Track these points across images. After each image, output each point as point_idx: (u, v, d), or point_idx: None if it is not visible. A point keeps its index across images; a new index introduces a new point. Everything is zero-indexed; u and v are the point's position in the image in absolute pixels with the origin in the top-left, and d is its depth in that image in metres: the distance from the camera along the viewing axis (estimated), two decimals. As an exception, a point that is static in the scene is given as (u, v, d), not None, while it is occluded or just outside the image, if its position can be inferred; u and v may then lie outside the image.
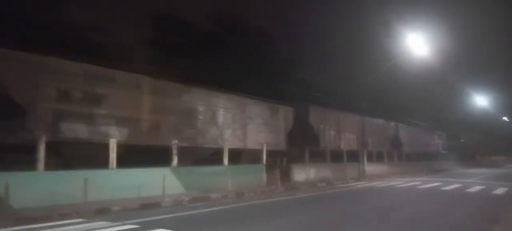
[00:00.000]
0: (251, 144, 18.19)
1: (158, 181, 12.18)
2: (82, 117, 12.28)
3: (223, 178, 14.69)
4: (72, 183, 10.46)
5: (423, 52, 23.24)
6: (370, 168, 25.76)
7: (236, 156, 17.17)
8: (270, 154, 18.78)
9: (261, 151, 18.15)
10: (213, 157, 15.98)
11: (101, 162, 11.97)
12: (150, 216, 9.23)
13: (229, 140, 17.05)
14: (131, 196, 11.58)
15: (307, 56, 29.67)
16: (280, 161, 18.91)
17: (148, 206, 10.90)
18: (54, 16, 18.08)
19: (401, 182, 20.86)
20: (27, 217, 8.60)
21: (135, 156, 12.48)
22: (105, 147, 12.24)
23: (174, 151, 14.09)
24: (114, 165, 12.00)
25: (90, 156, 11.91)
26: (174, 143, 14.19)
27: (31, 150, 10.66)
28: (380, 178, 23.73)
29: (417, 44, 22.38)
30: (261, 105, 19.50)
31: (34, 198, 9.73)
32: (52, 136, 11.30)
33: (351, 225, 8.72)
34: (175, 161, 14.01)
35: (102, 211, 9.84)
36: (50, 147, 10.99)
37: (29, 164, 10.53)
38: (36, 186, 9.97)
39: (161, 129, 14.53)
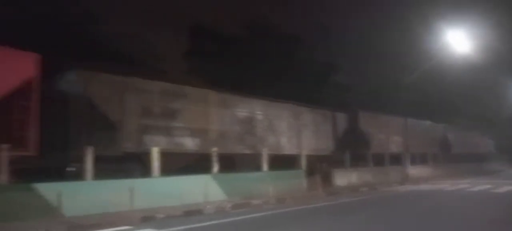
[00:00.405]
0: (305, 150, 18.85)
1: (200, 188, 12.38)
2: (161, 129, 13.80)
3: (263, 184, 14.67)
4: (119, 192, 10.79)
5: (465, 49, 22.26)
6: (415, 170, 24.87)
7: (292, 162, 17.55)
8: (319, 159, 19.23)
9: (313, 157, 18.57)
10: (272, 163, 16.54)
11: (179, 169, 13.01)
12: (194, 223, 9.35)
13: (286, 147, 18.22)
14: (174, 203, 11.76)
15: (344, 59, 29.14)
16: (320, 166, 18.71)
17: (191, 213, 11.04)
18: (94, 30, 19.09)
19: (448, 185, 19.98)
20: (79, 225, 8.97)
21: (205, 164, 13.71)
22: (182, 156, 13.75)
23: (214, 159, 14.22)
24: (157, 173, 12.28)
25: (169, 164, 12.83)
26: (214, 150, 14.36)
27: (121, 161, 12.26)
28: (426, 181, 22.86)
29: (459, 40, 21.47)
30: (313, 112, 20.53)
31: (83, 206, 10.09)
32: (137, 148, 12.96)
33: None
34: (215, 168, 14.15)
35: (147, 219, 10.07)
36: (136, 158, 12.65)
37: (121, 173, 11.83)
38: (85, 195, 10.32)
39: (227, 138, 15.91)
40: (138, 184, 11.31)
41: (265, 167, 15.91)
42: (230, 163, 14.84)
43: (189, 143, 14.44)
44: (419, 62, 23.81)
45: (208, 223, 9.44)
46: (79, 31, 18.17)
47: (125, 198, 10.66)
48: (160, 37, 21.27)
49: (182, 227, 8.80)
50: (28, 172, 10.18)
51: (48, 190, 9.69)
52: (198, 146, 14.62)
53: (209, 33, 23.96)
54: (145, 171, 12.38)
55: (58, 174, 10.54)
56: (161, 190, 11.86)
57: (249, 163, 15.91)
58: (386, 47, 28.05)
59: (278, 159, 16.80)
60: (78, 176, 10.98)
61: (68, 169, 11.82)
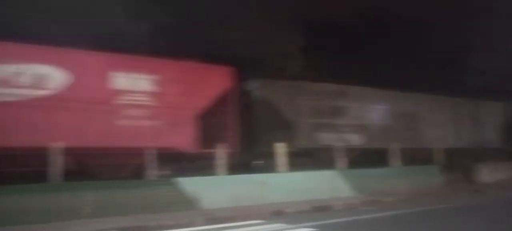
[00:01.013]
0: (461, 143, 18.64)
1: (327, 184, 12.16)
2: (329, 127, 15.29)
3: (395, 180, 13.78)
4: (249, 186, 11.19)
5: None
6: None
7: (433, 156, 16.51)
8: (460, 153, 17.81)
9: (454, 151, 17.30)
10: (424, 157, 16.13)
11: (338, 163, 13.63)
12: (325, 219, 9.09)
13: (442, 140, 17.78)
14: (301, 198, 11.67)
15: (479, 41, 25.57)
16: (461, 161, 16.79)
17: (319, 208, 10.82)
18: (211, 35, 20.11)
19: None
20: (215, 217, 9.46)
21: (365, 158, 14.41)
22: (346, 150, 14.06)
23: (338, 153, 13.82)
24: (284, 169, 12.38)
25: (333, 158, 13.77)
26: (338, 145, 13.99)
27: (294, 156, 13.01)
28: None
29: None
30: (469, 103, 20.10)
31: (218, 199, 10.70)
32: (309, 144, 14.57)
33: None
34: (341, 163, 13.71)
35: (277, 213, 10.15)
36: (306, 153, 14.03)
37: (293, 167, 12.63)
38: (219, 188, 10.96)
39: (386, 133, 16.52)
40: (268, 178, 11.59)
41: (396, 162, 14.90)
42: (384, 158, 14.93)
43: (354, 139, 15.54)
44: None
45: (339, 220, 9.10)
46: (199, 35, 19.28)
47: (256, 192, 11.01)
48: (279, 35, 21.48)
49: (313, 223, 8.58)
50: (231, 166, 11.66)
51: (188, 184, 10.53)
52: (361, 141, 15.70)
53: (327, 27, 23.40)
54: (315, 165, 13.36)
55: (248, 168, 12.23)
56: (288, 185, 11.94)
57: (412, 157, 15.39)
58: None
59: (420, 153, 16.25)
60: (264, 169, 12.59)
61: (255, 163, 13.64)
